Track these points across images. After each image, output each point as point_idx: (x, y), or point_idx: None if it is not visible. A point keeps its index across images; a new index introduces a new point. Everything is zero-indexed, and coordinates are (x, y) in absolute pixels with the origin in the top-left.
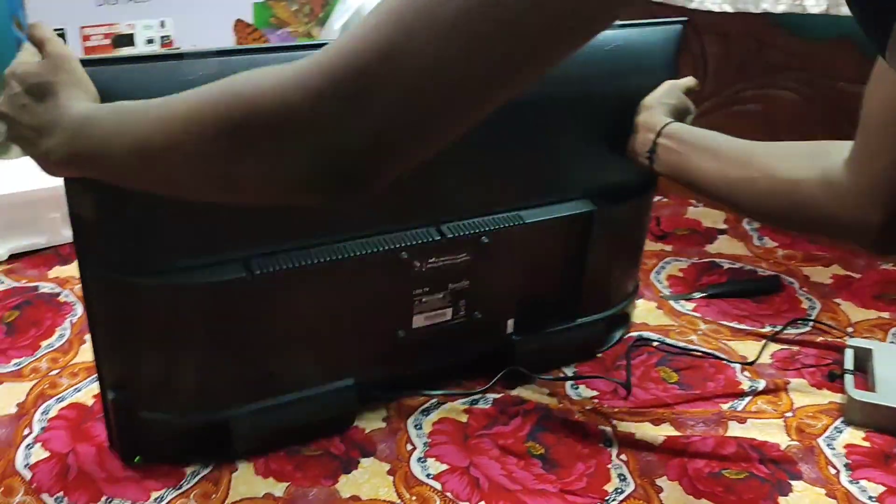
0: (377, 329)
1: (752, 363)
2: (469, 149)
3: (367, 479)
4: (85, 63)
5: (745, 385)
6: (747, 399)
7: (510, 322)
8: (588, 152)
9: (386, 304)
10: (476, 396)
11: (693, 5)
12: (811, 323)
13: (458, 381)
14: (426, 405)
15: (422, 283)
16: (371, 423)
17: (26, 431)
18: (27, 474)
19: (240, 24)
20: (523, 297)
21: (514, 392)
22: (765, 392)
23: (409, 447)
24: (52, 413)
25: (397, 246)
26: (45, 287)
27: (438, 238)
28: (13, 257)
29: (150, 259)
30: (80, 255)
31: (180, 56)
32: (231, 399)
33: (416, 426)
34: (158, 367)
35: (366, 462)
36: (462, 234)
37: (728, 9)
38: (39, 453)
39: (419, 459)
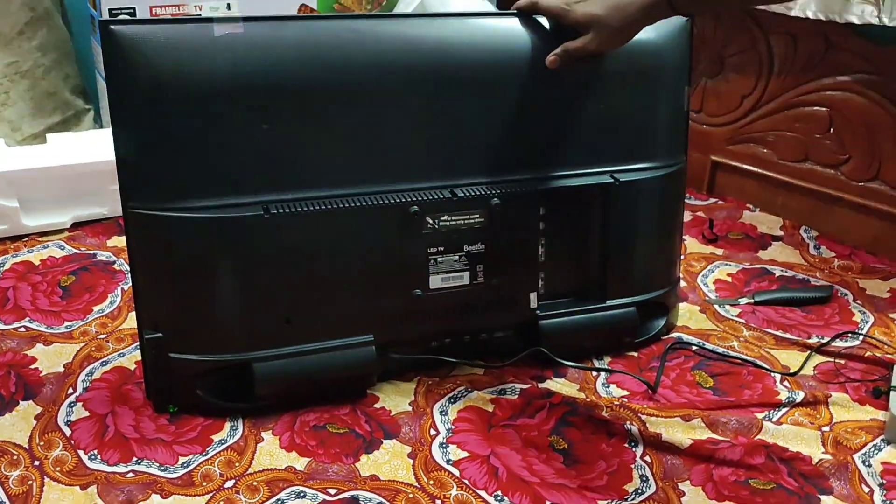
0: (394, 285)
1: (793, 374)
2: (484, 111)
3: (388, 461)
4: (121, 22)
5: (784, 395)
6: (784, 410)
7: (533, 296)
8: (607, 125)
9: (401, 260)
10: (504, 386)
11: (794, 13)
12: (861, 336)
13: (483, 357)
14: (454, 392)
15: (436, 242)
16: (397, 406)
17: (70, 391)
18: (67, 431)
19: (304, 9)
20: (545, 270)
21: (543, 385)
22: (803, 404)
23: (433, 432)
24: (97, 375)
25: (409, 199)
26: (102, 255)
27: (449, 196)
28: (76, 225)
29: (179, 196)
30: (122, 193)
31: (209, 19)
32: (251, 343)
33: (441, 412)
34: (185, 305)
35: (388, 443)
36: (473, 194)
37: (821, 17)
38: (80, 412)
39: (441, 445)
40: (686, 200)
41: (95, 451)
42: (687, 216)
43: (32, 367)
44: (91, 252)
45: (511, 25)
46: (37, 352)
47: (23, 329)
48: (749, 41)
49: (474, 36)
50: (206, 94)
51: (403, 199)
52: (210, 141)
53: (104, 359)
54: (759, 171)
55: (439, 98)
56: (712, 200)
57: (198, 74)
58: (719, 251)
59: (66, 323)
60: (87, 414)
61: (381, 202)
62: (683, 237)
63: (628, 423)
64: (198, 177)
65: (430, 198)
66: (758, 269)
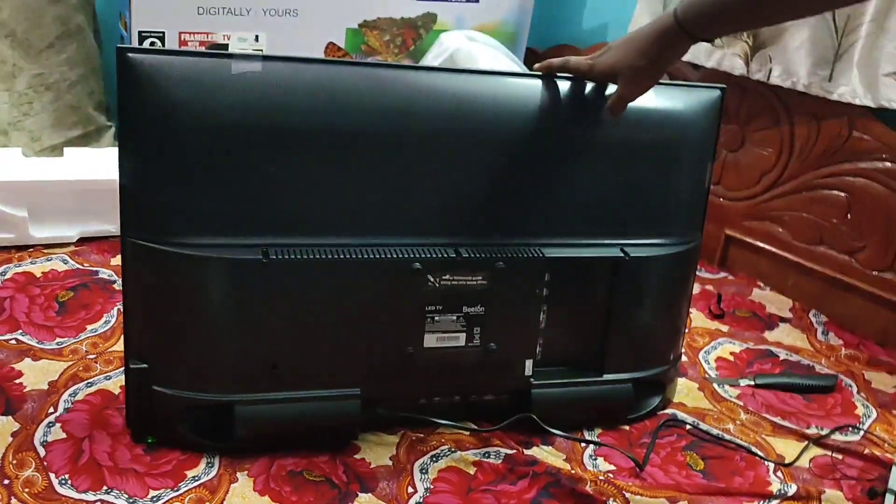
0: (387, 341)
1: (788, 464)
2: (497, 171)
3: None
4: (139, 50)
5: (776, 487)
6: (774, 503)
7: (528, 363)
8: (623, 198)
9: (396, 315)
10: (488, 449)
11: (833, 97)
12: (862, 432)
13: (472, 419)
14: (437, 451)
15: (435, 301)
16: (378, 459)
17: (51, 410)
18: (42, 451)
19: (331, 47)
20: (544, 338)
21: (529, 452)
22: (795, 498)
23: (410, 490)
24: (80, 396)
25: (411, 255)
26: (104, 273)
27: (454, 255)
28: (83, 240)
29: (179, 231)
30: (122, 219)
31: (229, 55)
32: (236, 385)
33: (422, 470)
34: (172, 340)
35: (363, 497)
36: (478, 255)
37: (869, 104)
38: (58, 433)
39: (417, 503)
40: (696, 272)
41: (67, 476)
42: (695, 288)
43: (17, 381)
44: (93, 269)
45: (532, 86)
46: (24, 366)
47: (14, 341)
48: (772, 119)
49: (495, 95)
50: (217, 130)
51: (406, 255)
52: (216, 178)
53: (90, 380)
54: (773, 249)
55: (452, 154)
56: (723, 275)
57: (210, 110)
58: (724, 328)
59: (58, 339)
60: (64, 436)
61: (384, 255)
62: (691, 311)
63: (611, 499)
64: (199, 213)
65: (434, 255)
66: (762, 350)
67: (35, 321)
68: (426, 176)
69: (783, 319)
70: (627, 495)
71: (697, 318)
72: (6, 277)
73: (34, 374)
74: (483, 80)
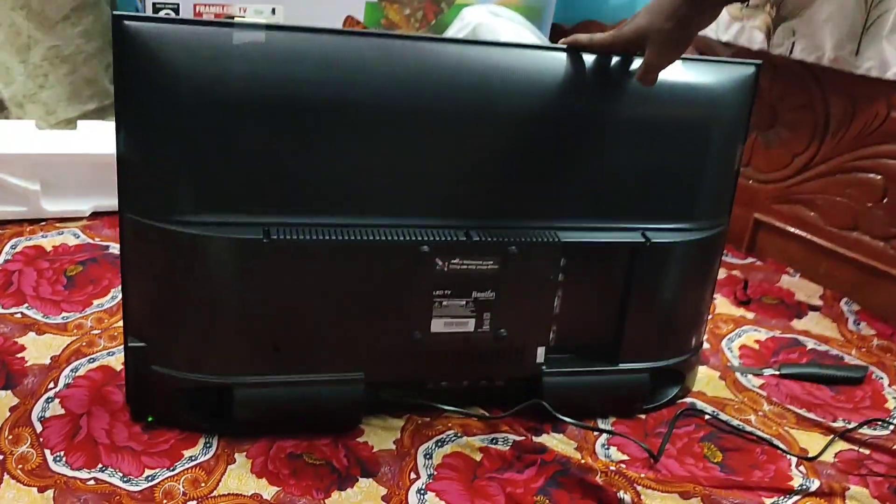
0: (392, 325)
1: (811, 458)
2: (512, 149)
3: (360, 501)
4: (136, 18)
5: (797, 482)
6: (795, 498)
7: (540, 350)
8: (647, 180)
9: (403, 299)
10: (496, 435)
11: (860, 71)
12: (892, 426)
13: (482, 405)
14: (443, 435)
15: (443, 285)
16: (381, 443)
17: (51, 385)
18: (39, 427)
19: (350, 21)
20: (557, 325)
21: (539, 439)
22: (817, 494)
23: (413, 475)
24: (81, 372)
25: (419, 238)
26: (115, 248)
27: (464, 238)
28: (95, 215)
29: (177, 208)
30: (120, 196)
31: (232, 25)
32: (236, 366)
33: (426, 455)
34: (171, 320)
35: (363, 483)
36: (489, 238)
37: None
38: (56, 409)
39: (419, 491)
40: (723, 257)
41: (62, 453)
42: (721, 273)
43: (20, 355)
44: (105, 244)
45: (552, 60)
46: (27, 340)
47: (19, 315)
48: (806, 98)
49: (512, 68)
50: (217, 102)
51: (414, 237)
52: (216, 153)
53: (93, 355)
54: (804, 234)
55: (465, 131)
56: (750, 260)
57: (211, 81)
58: (750, 315)
59: (64, 314)
60: (62, 412)
61: (390, 238)
62: (714, 297)
63: (622, 491)
64: (199, 190)
65: (443, 238)
66: (789, 339)
67: (42, 295)
68: (437, 154)
69: (813, 308)
70: (639, 488)
71: (722, 304)
72: (17, 251)
73: (37, 349)
74: (499, 52)
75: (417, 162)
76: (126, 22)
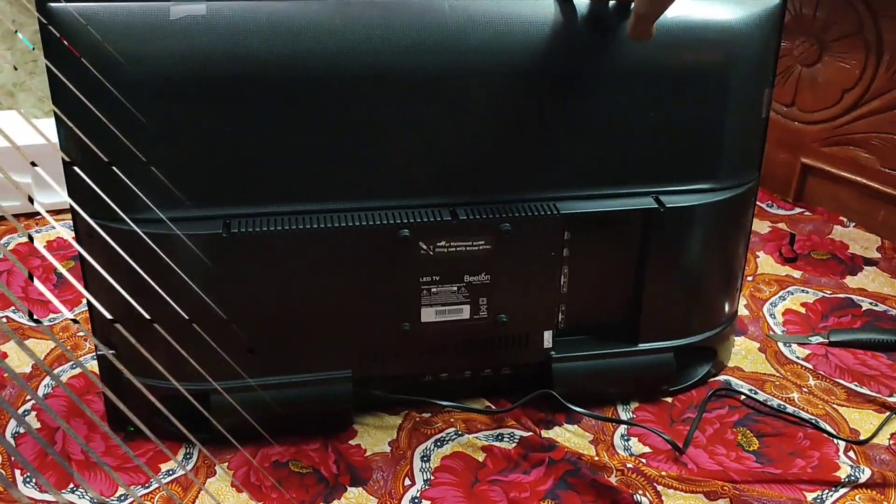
0: (377, 317)
1: (863, 442)
2: (500, 112)
3: None
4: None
5: (845, 471)
6: (842, 491)
7: (547, 335)
8: (657, 137)
9: (386, 289)
10: (502, 431)
11: None
12: None
13: (487, 396)
14: (443, 434)
15: (430, 271)
16: (375, 445)
17: (28, 397)
18: (11, 443)
19: None
20: (566, 305)
21: (550, 433)
22: (868, 485)
23: (408, 482)
24: (63, 378)
25: (398, 221)
26: None
27: (449, 218)
28: None
29: (126, 206)
30: (70, 197)
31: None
32: (210, 372)
33: (423, 458)
34: (136, 325)
35: (353, 492)
36: (478, 216)
37: None
38: (32, 422)
39: (413, 499)
40: (767, 208)
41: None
42: (764, 227)
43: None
44: None
45: (543, 8)
46: (8, 347)
47: (4, 319)
48: (855, 24)
49: (495, 20)
50: (158, 86)
51: (391, 221)
52: (164, 142)
53: (77, 359)
54: (859, 179)
55: (443, 95)
56: (798, 210)
57: (149, 63)
58: (797, 273)
59: (51, 315)
60: (38, 426)
61: (365, 223)
62: (757, 254)
63: (639, 493)
64: (149, 184)
65: (425, 219)
66: (841, 300)
67: (31, 296)
68: (412, 124)
69: (869, 262)
70: (659, 488)
71: (765, 262)
72: (10, 248)
73: (19, 357)
74: (477, 2)
75: (389, 135)
76: (50, 4)
